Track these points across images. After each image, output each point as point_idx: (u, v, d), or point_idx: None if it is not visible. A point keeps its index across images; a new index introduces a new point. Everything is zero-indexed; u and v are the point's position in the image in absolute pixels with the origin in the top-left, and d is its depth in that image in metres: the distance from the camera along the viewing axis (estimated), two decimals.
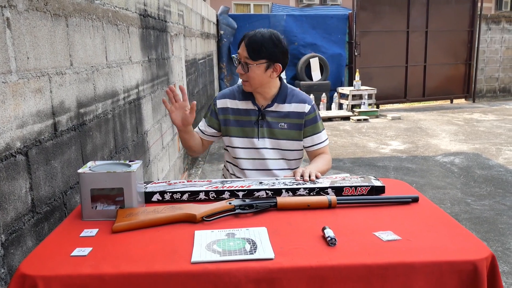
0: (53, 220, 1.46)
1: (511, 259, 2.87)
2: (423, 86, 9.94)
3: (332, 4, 14.56)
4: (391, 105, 9.91)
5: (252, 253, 1.08)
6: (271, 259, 1.06)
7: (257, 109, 1.90)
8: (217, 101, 1.97)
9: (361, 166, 5.09)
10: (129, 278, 1.02)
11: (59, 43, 1.53)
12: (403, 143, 6.22)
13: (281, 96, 1.90)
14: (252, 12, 13.62)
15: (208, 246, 1.13)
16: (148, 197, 1.49)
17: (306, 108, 1.91)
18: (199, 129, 2.01)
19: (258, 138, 1.91)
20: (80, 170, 1.33)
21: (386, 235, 1.19)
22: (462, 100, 10.45)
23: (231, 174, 2.01)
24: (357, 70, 8.88)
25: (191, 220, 1.30)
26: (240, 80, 1.94)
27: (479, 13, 9.90)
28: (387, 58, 9.44)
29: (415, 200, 1.44)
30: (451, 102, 10.32)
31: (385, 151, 5.79)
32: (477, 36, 10.05)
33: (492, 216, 3.57)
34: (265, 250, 1.10)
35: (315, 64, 9.02)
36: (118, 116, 2.14)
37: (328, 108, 8.77)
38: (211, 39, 7.17)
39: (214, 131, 1.99)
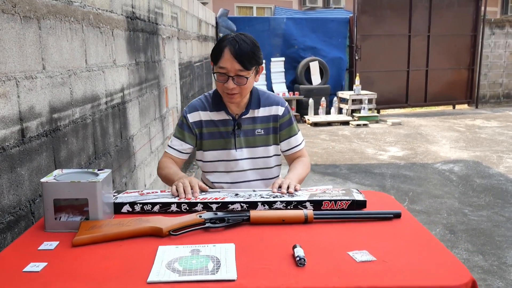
0: (17, 230, 1.40)
1: (507, 275, 2.78)
2: (425, 91, 9.86)
3: (335, 8, 14.49)
4: (392, 110, 9.83)
5: (214, 273, 1.01)
6: (232, 280, 0.99)
7: (231, 118, 1.80)
8: (188, 115, 1.82)
9: (358, 173, 5.01)
10: None
11: (29, 46, 1.47)
12: (402, 150, 6.14)
13: (255, 101, 1.82)
14: (254, 14, 13.58)
15: (169, 263, 1.06)
16: (117, 208, 1.42)
17: (279, 110, 1.84)
18: (175, 149, 1.83)
19: (236, 149, 1.82)
20: (43, 179, 1.27)
21: (361, 255, 1.12)
22: (465, 106, 10.36)
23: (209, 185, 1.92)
24: (358, 74, 8.82)
25: (158, 234, 1.24)
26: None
27: (482, 17, 9.81)
28: (388, 62, 9.37)
29: (397, 216, 1.37)
30: (454, 107, 10.23)
31: (383, 157, 5.72)
32: (480, 40, 9.96)
33: (490, 228, 3.48)
34: (228, 270, 1.03)
35: (315, 68, 8.96)
36: (98, 120, 2.08)
37: (328, 112, 8.70)
38: (209, 42, 7.11)
39: (190, 146, 1.84)
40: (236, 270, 1.03)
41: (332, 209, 1.43)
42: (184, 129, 1.82)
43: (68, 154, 1.74)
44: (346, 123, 8.27)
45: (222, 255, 1.11)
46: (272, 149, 1.86)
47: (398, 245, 1.18)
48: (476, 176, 4.86)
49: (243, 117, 1.80)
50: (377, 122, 8.42)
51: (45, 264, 1.07)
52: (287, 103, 1.90)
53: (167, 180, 1.74)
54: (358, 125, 8.05)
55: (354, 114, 8.57)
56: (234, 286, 0.97)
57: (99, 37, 2.10)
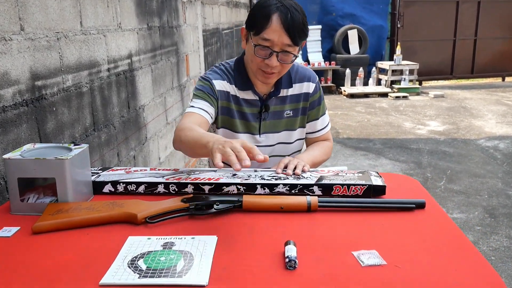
0: None
1: None
2: (472, 62, 9.23)
3: None
4: (435, 82, 9.29)
5: (181, 276, 0.83)
6: (201, 286, 0.81)
7: (258, 98, 1.50)
8: (213, 81, 1.46)
9: (392, 148, 4.70)
10: None
11: (2, 3, 1.30)
12: (443, 124, 5.74)
13: (287, 79, 1.51)
14: None
15: (133, 260, 0.89)
16: (98, 188, 1.26)
17: (311, 87, 1.55)
18: (200, 108, 1.41)
19: (260, 134, 1.54)
20: (6, 155, 1.11)
21: (368, 257, 0.90)
22: None
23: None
24: (399, 43, 8.31)
25: (132, 221, 1.06)
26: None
27: None
28: (433, 31, 8.78)
29: (421, 206, 1.14)
30: (503, 80, 9.54)
31: (422, 132, 5.36)
32: None
33: None
34: (200, 272, 0.84)
35: (353, 36, 8.51)
36: (98, 89, 1.92)
37: (365, 83, 8.29)
38: (241, 8, 6.83)
39: (214, 112, 1.47)
40: (210, 272, 0.84)
41: (344, 196, 1.21)
42: (208, 92, 1.45)
43: (57, 126, 1.58)
44: (384, 95, 7.86)
45: (198, 250, 0.92)
46: (296, 134, 1.58)
47: (417, 246, 0.96)
48: None
49: (273, 97, 1.51)
50: (418, 94, 7.96)
51: None
52: (317, 77, 1.61)
53: (193, 143, 1.21)
54: (397, 97, 7.63)
55: (393, 85, 8.13)
56: None
57: None
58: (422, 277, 0.83)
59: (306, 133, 1.62)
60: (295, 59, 1.40)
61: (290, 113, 1.54)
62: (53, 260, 0.91)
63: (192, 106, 1.42)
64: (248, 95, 1.49)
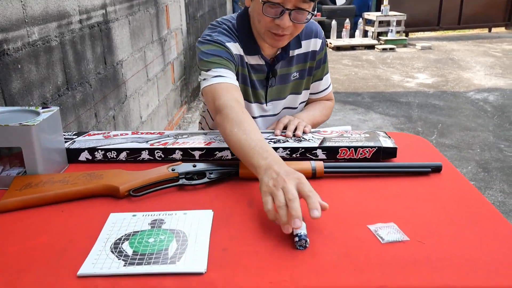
0: None
1: None
2: (459, 13, 9.04)
3: None
4: (422, 33, 9.11)
5: (174, 262, 0.70)
6: (199, 273, 0.68)
7: (264, 63, 1.29)
8: (227, 44, 1.22)
9: (382, 101, 4.59)
10: None
11: None
12: (432, 76, 5.63)
13: (295, 38, 1.29)
14: None
15: (116, 244, 0.76)
16: (74, 156, 1.11)
17: (318, 44, 1.34)
18: (227, 77, 1.15)
19: (266, 102, 1.35)
20: None
21: (387, 232, 0.79)
22: (502, 29, 9.51)
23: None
24: None
25: (113, 195, 0.93)
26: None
27: None
28: None
29: (437, 170, 1.02)
30: (489, 31, 9.42)
31: (411, 85, 5.25)
32: None
33: None
34: (196, 257, 0.72)
35: None
36: (70, 43, 1.72)
37: (352, 35, 8.09)
38: None
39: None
40: (208, 255, 0.72)
41: (351, 159, 1.09)
42: (228, 58, 1.19)
43: (24, 86, 1.41)
44: (371, 47, 7.68)
45: (192, 229, 0.80)
46: (301, 97, 1.40)
47: (438, 216, 0.85)
48: None
49: (281, 61, 1.30)
50: (405, 46, 7.80)
51: None
52: (323, 31, 1.39)
53: (239, 151, 0.95)
54: (384, 49, 7.46)
55: (380, 37, 7.94)
56: (199, 284, 0.67)
57: None
58: (451, 254, 0.72)
59: (311, 94, 1.45)
60: (310, 17, 1.18)
61: (296, 75, 1.35)
62: (22, 244, 0.77)
63: (220, 76, 1.14)
64: (254, 60, 1.28)
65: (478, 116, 4.13)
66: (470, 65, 6.26)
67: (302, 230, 0.76)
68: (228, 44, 1.21)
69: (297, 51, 1.31)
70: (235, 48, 1.24)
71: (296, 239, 0.74)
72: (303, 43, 1.32)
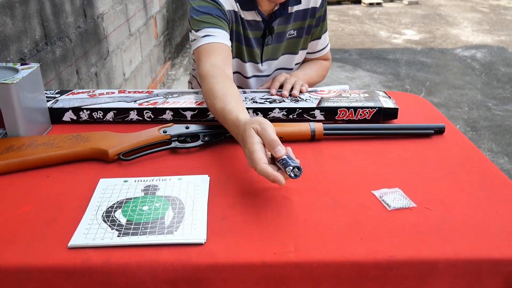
0: None
1: None
2: None
3: None
4: None
5: (172, 232, 0.66)
6: (199, 244, 0.65)
7: (261, 20, 1.21)
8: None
9: (369, 58, 4.53)
10: None
11: None
12: (419, 33, 5.56)
13: None
14: None
15: (108, 212, 0.71)
16: (57, 116, 1.04)
17: (318, 0, 1.26)
18: (224, 40, 1.09)
19: (262, 62, 1.28)
20: None
21: (393, 199, 0.76)
22: None
23: None
24: None
25: (102, 158, 0.87)
26: None
27: None
28: None
29: (440, 131, 0.99)
30: None
31: (398, 41, 5.17)
32: None
33: None
34: (195, 226, 0.68)
35: None
36: None
37: None
38: None
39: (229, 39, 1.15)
40: (207, 224, 0.68)
41: (350, 120, 1.05)
42: (218, 16, 1.11)
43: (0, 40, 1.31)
44: (357, 1, 7.51)
45: (189, 196, 0.75)
46: (297, 58, 1.32)
47: (444, 180, 0.82)
48: (502, 64, 4.38)
49: (278, 18, 1.21)
50: (392, 1, 7.65)
51: None
52: None
53: (222, 119, 0.90)
54: (370, 4, 7.31)
55: None
56: (200, 256, 0.63)
57: None
58: (461, 222, 0.69)
59: (308, 53, 1.36)
60: None
61: (294, 33, 1.26)
62: (6, 213, 0.72)
63: (208, 35, 1.07)
64: (251, 16, 1.19)
65: (466, 73, 4.11)
66: (457, 21, 6.19)
67: (292, 162, 0.71)
68: (221, 0, 1.12)
69: (296, 8, 1.23)
70: (229, 3, 1.15)
71: (289, 169, 0.70)
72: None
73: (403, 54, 4.69)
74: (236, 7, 1.16)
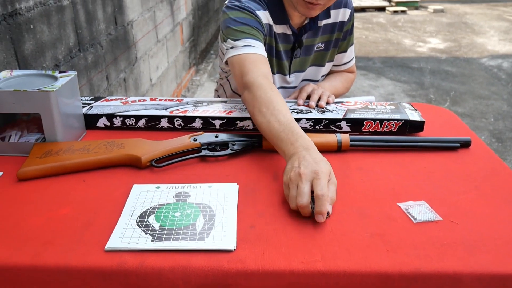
0: None
1: None
2: None
3: None
4: None
5: (203, 238, 0.69)
6: (229, 251, 0.67)
7: (291, 33, 1.22)
8: (257, 12, 1.14)
9: (393, 67, 4.51)
10: (0, 273, 0.65)
11: None
12: (444, 41, 5.50)
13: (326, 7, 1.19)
14: None
15: (142, 217, 0.74)
16: (92, 122, 1.09)
17: (346, 14, 1.27)
18: (256, 47, 1.08)
19: (289, 74, 1.29)
20: None
21: (419, 211, 0.77)
22: None
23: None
24: None
25: (135, 165, 0.91)
26: None
27: None
28: None
29: (466, 145, 1.00)
30: None
31: (423, 50, 5.13)
32: None
33: None
34: (225, 233, 0.70)
35: None
36: (81, 2, 1.66)
37: None
38: None
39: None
40: (236, 231, 0.71)
41: (375, 132, 1.06)
42: (257, 28, 1.12)
43: (36, 47, 1.36)
44: (382, 9, 7.48)
45: (219, 203, 0.78)
46: (323, 70, 1.34)
47: (470, 194, 0.83)
48: None
49: (308, 32, 1.23)
50: (416, 8, 7.59)
51: None
52: (352, 1, 1.32)
53: (271, 137, 0.90)
54: (395, 11, 7.27)
55: None
56: (230, 262, 0.65)
57: None
58: (487, 236, 0.70)
59: (334, 65, 1.39)
60: None
61: (321, 46, 1.29)
62: (45, 215, 0.76)
63: (250, 46, 1.07)
64: (282, 29, 1.21)
65: (491, 83, 4.06)
66: (483, 29, 6.10)
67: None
68: (258, 13, 1.14)
69: (324, 21, 1.25)
70: (265, 16, 1.16)
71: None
72: (332, 12, 1.25)
73: (427, 62, 4.65)
74: (271, 21, 1.18)
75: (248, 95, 0.99)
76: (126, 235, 0.70)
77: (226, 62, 1.12)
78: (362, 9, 7.45)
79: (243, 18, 1.12)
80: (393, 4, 7.57)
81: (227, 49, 1.11)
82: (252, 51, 1.06)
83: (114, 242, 0.68)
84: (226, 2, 1.17)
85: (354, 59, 1.42)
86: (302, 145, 0.82)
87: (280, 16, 1.18)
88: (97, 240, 0.69)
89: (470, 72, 4.35)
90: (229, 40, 1.10)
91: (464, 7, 7.71)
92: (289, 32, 1.22)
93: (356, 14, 7.11)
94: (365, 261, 0.65)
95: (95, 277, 0.65)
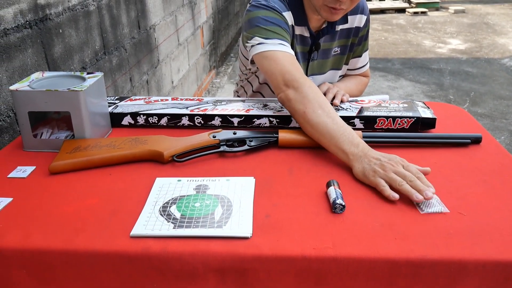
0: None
1: None
2: None
3: None
4: None
5: (221, 226, 0.74)
6: (246, 238, 0.72)
7: (309, 36, 1.26)
8: (283, 13, 1.17)
9: (412, 68, 4.49)
10: (36, 256, 0.71)
11: None
12: (465, 42, 5.45)
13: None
14: None
15: (164, 207, 0.80)
16: (117, 120, 1.15)
17: (362, 20, 1.31)
18: (287, 48, 1.10)
19: (307, 76, 1.30)
20: (13, 87, 0.99)
21: (427, 203, 0.80)
22: None
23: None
24: None
25: (158, 160, 0.96)
26: None
27: None
28: None
29: (476, 141, 1.02)
30: None
31: (443, 51, 5.10)
32: None
33: None
34: (241, 221, 0.75)
35: None
36: (106, 7, 1.74)
37: None
38: None
39: None
40: (252, 221, 0.75)
41: (388, 129, 1.10)
42: (285, 28, 1.14)
43: (65, 50, 1.44)
44: (402, 10, 7.44)
45: (236, 195, 0.83)
46: (341, 72, 1.39)
47: (479, 188, 0.85)
48: None
49: (325, 35, 1.27)
50: (437, 9, 7.53)
51: (8, 200, 0.83)
52: (368, 8, 1.35)
53: (324, 137, 0.95)
54: (415, 12, 7.22)
55: (411, 0, 7.67)
56: (247, 248, 0.70)
57: None
58: (493, 227, 0.73)
59: (348, 70, 1.43)
60: None
61: (337, 51, 1.33)
62: (75, 204, 0.82)
63: (282, 45, 1.09)
64: (300, 31, 1.24)
65: None
66: (505, 30, 6.02)
67: (337, 194, 0.78)
68: (284, 14, 1.17)
69: (341, 26, 1.29)
70: (289, 17, 1.19)
71: (335, 205, 0.77)
72: (350, 18, 1.29)
73: (447, 63, 4.62)
74: (293, 22, 1.22)
75: (296, 95, 1.00)
76: (150, 223, 0.75)
77: (252, 61, 1.14)
78: (382, 11, 7.43)
79: (272, 18, 1.14)
80: (413, 5, 7.53)
81: (253, 46, 1.12)
82: (287, 51, 1.09)
83: (139, 229, 0.73)
84: (251, 2, 1.20)
85: (368, 64, 1.45)
86: (365, 147, 0.91)
87: (300, 17, 1.21)
88: (123, 227, 0.74)
89: (491, 73, 4.31)
90: (256, 37, 1.12)
91: (486, 8, 7.61)
92: (306, 34, 1.25)
93: (376, 16, 7.09)
94: (374, 248, 0.69)
95: (121, 261, 0.70)
